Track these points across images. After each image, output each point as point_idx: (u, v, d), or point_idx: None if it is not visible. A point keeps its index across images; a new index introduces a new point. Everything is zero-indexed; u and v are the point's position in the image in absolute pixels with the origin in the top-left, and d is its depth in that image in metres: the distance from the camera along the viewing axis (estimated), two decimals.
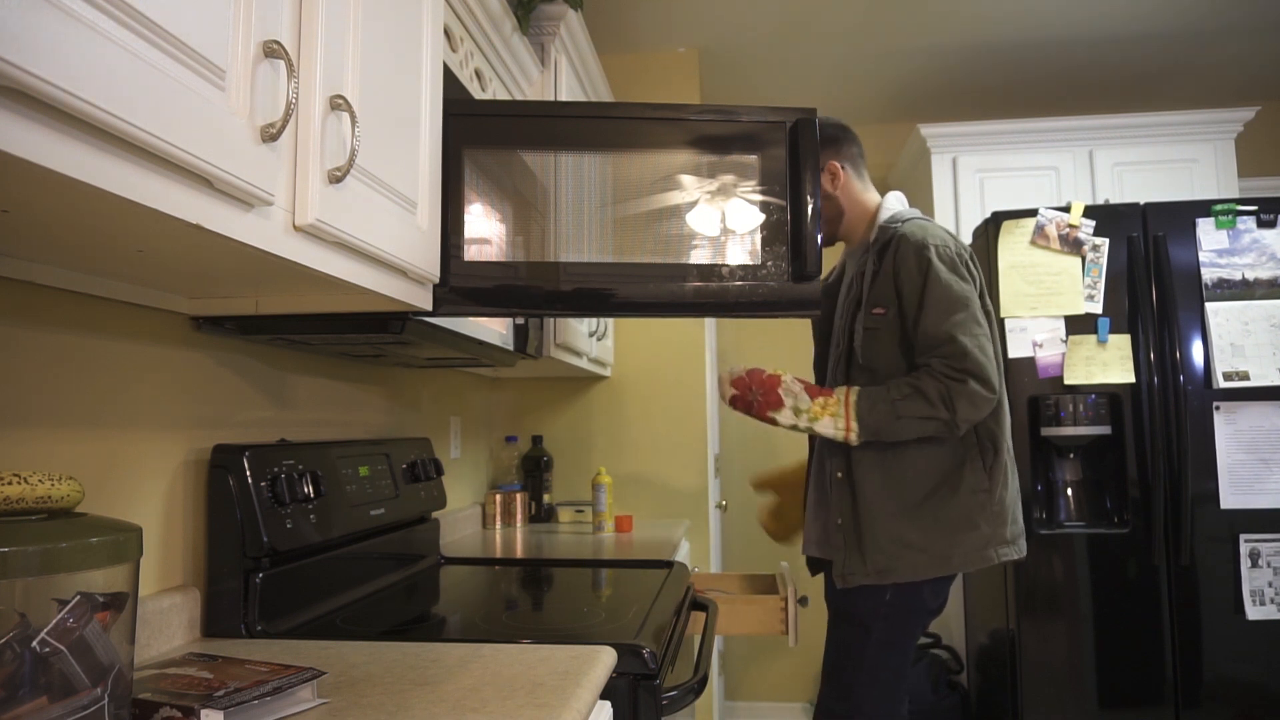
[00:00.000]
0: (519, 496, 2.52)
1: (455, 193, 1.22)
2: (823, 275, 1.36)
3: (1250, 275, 2.37)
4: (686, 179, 1.26)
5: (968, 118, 3.61)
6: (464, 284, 1.21)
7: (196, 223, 0.70)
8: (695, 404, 2.83)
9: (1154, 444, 2.31)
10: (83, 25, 0.55)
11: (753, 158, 1.27)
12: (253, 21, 0.75)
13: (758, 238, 1.26)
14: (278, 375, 1.44)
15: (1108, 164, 2.93)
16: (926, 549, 1.58)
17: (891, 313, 1.64)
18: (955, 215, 2.99)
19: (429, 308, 1.19)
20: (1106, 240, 2.43)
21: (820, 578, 1.87)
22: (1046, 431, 2.40)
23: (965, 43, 2.98)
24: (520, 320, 1.76)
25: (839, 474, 1.66)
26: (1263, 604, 2.28)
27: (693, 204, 1.26)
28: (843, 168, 1.77)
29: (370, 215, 0.97)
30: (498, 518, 2.49)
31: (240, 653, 1.06)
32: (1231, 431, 2.32)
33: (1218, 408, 2.33)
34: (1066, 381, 2.40)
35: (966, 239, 2.81)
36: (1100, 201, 2.89)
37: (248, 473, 1.19)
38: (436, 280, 1.19)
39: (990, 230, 2.51)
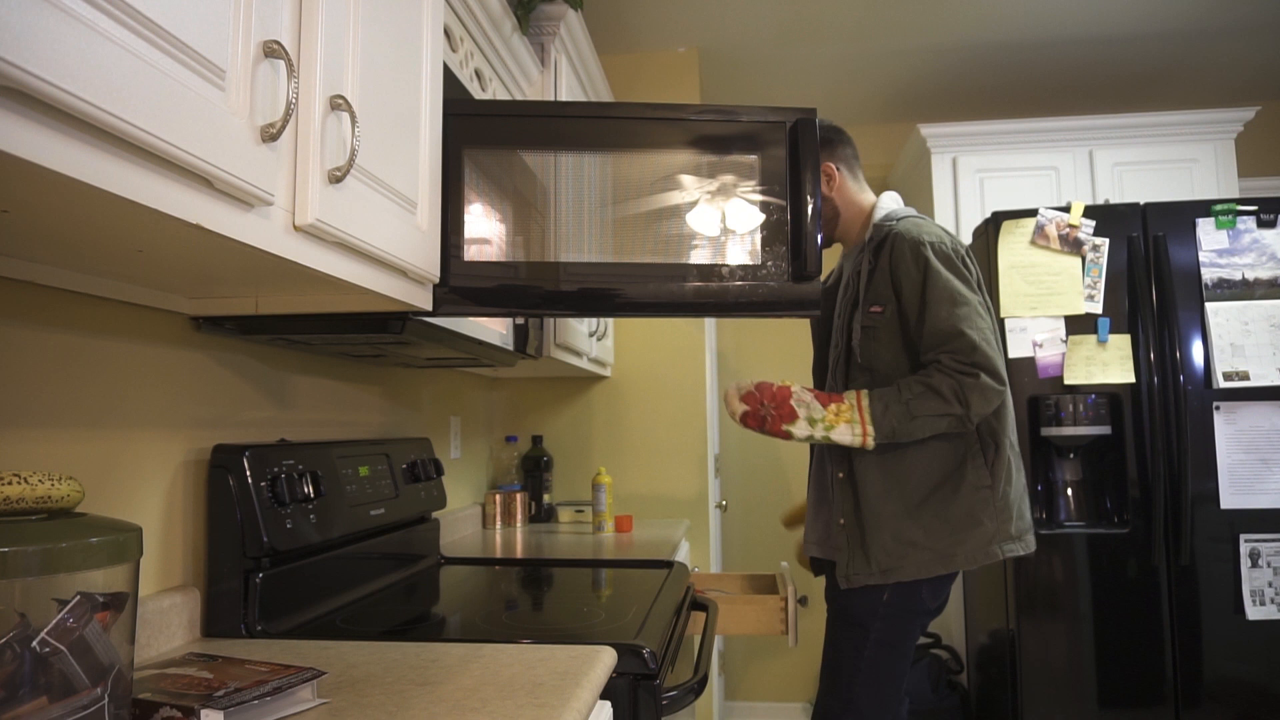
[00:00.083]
0: (519, 496, 2.52)
1: (455, 193, 1.22)
2: (822, 277, 1.36)
3: (1250, 275, 2.37)
4: (686, 179, 1.26)
5: (968, 118, 3.61)
6: (464, 284, 1.21)
7: (196, 223, 0.70)
8: (695, 404, 2.83)
9: (1154, 444, 2.31)
10: (83, 25, 0.55)
11: (753, 158, 1.27)
12: (253, 21, 0.75)
13: (758, 238, 1.26)
14: (278, 375, 1.44)
15: (1108, 164, 2.93)
16: (930, 547, 1.58)
17: (889, 310, 1.63)
18: (955, 215, 2.99)
19: (429, 308, 1.19)
20: (1106, 240, 2.43)
21: (821, 577, 1.87)
22: (1046, 431, 2.39)
23: (965, 43, 2.98)
24: (520, 320, 1.76)
25: (840, 474, 1.66)
26: (1263, 604, 2.28)
27: (693, 204, 1.26)
28: (838, 169, 1.77)
29: (370, 215, 0.97)
30: (498, 518, 2.49)
31: (240, 653, 1.06)
32: (1231, 431, 2.32)
33: (1218, 408, 2.33)
34: (1066, 381, 2.40)
35: (966, 239, 2.81)
36: (1100, 201, 2.89)
37: (248, 473, 1.19)
38: (436, 280, 1.19)
39: (990, 230, 2.51)
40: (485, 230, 1.23)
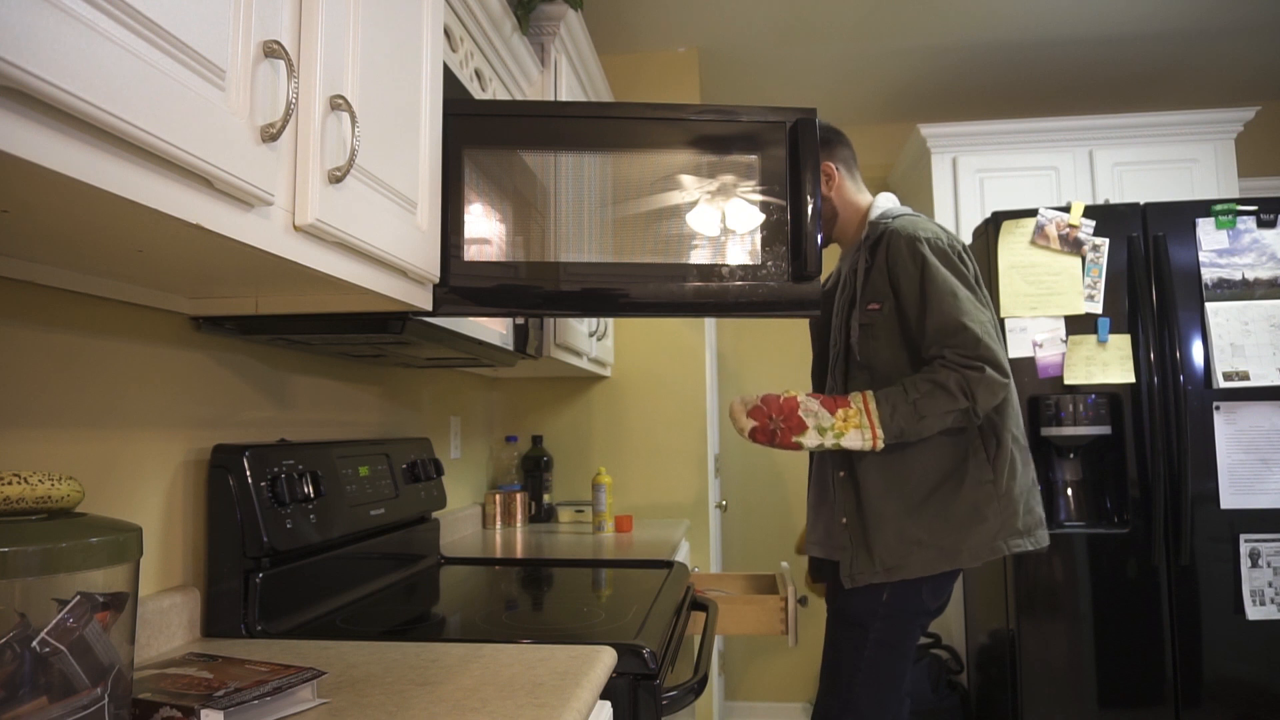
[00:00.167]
0: (519, 496, 2.52)
1: (455, 193, 1.22)
2: (821, 278, 1.36)
3: (1250, 275, 2.37)
4: (686, 179, 1.26)
5: (968, 118, 3.61)
6: (464, 284, 1.21)
7: (196, 223, 0.70)
8: (695, 404, 2.83)
9: (1154, 444, 2.31)
10: (83, 25, 0.55)
11: (753, 158, 1.27)
12: (253, 21, 0.75)
13: (758, 238, 1.26)
14: (278, 375, 1.44)
15: (1108, 164, 2.93)
16: (934, 544, 1.57)
17: (887, 308, 1.63)
18: (955, 215, 2.99)
19: (429, 308, 1.19)
20: (1106, 240, 2.43)
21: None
22: (1046, 431, 2.39)
23: (965, 43, 2.98)
24: (520, 320, 1.76)
25: (841, 473, 1.65)
26: (1263, 604, 2.28)
27: (693, 204, 1.26)
28: (837, 169, 1.77)
29: (370, 215, 0.97)
30: (498, 518, 2.49)
31: (240, 653, 1.06)
32: (1231, 431, 2.32)
33: (1218, 408, 2.33)
34: (1066, 381, 2.40)
35: (966, 239, 2.81)
36: (1100, 201, 2.89)
37: (248, 473, 1.19)
38: (436, 280, 1.19)
39: (990, 230, 2.51)
40: (485, 230, 1.23)
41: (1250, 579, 2.28)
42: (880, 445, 1.55)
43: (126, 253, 0.86)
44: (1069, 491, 2.44)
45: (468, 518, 2.38)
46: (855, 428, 1.55)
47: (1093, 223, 2.44)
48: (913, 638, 1.65)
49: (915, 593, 1.61)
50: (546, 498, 2.64)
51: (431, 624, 1.28)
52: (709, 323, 3.05)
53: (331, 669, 1.01)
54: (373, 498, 1.51)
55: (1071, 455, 2.44)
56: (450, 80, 1.38)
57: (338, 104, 0.89)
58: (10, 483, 0.65)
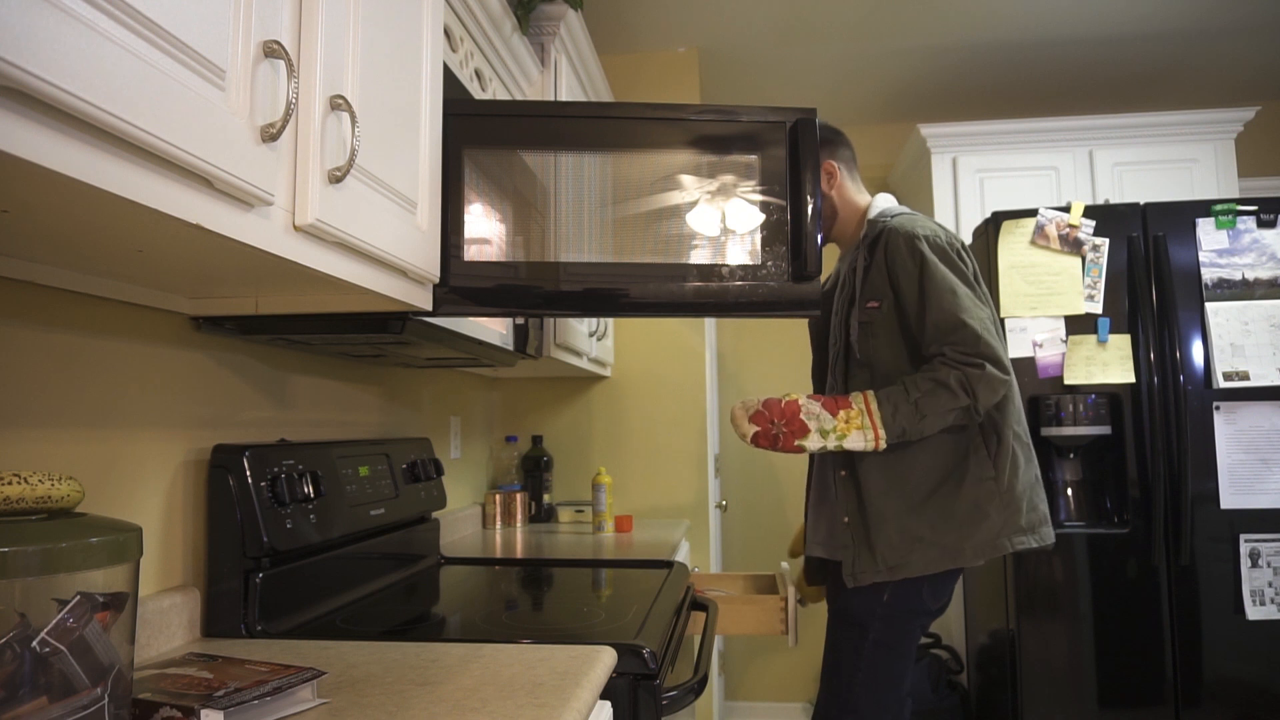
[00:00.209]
0: (519, 496, 2.52)
1: (455, 193, 1.22)
2: (821, 279, 1.36)
3: (1250, 275, 2.37)
4: (686, 179, 1.26)
5: (968, 118, 3.61)
6: (464, 284, 1.21)
7: (196, 223, 0.70)
8: (695, 404, 2.83)
9: (1154, 444, 2.31)
10: (83, 25, 0.55)
11: (753, 158, 1.27)
12: (253, 21, 0.75)
13: (758, 238, 1.26)
14: (278, 375, 1.44)
15: (1108, 164, 2.93)
16: (937, 542, 1.56)
17: (886, 305, 1.63)
18: (955, 215, 2.99)
19: (429, 308, 1.19)
20: (1106, 240, 2.43)
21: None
22: (1046, 431, 2.39)
23: (965, 43, 2.98)
24: (520, 320, 1.76)
25: (842, 472, 1.65)
26: (1263, 604, 2.28)
27: (693, 204, 1.26)
28: (838, 168, 1.77)
29: (370, 215, 0.97)
30: (498, 518, 2.49)
31: (240, 653, 1.06)
32: (1231, 431, 2.32)
33: (1218, 408, 2.33)
34: (1066, 381, 2.40)
35: (966, 239, 2.81)
36: (1100, 201, 2.89)
37: (248, 473, 1.19)
38: (436, 280, 1.19)
39: (990, 230, 2.51)
40: (485, 230, 1.23)
41: (1250, 579, 2.28)
42: (882, 445, 1.55)
43: (126, 253, 0.86)
44: (1069, 491, 2.44)
45: (468, 518, 2.38)
46: (857, 429, 1.55)
47: (1093, 223, 2.44)
48: (913, 639, 1.65)
49: (916, 593, 1.60)
50: (546, 498, 2.64)
51: (431, 624, 1.28)
52: (709, 323, 3.05)
53: (331, 669, 1.01)
54: (373, 498, 1.51)
55: (1071, 455, 2.44)
56: (450, 80, 1.38)
57: (338, 104, 0.89)
58: (10, 483, 0.65)
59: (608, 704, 1.05)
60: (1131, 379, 2.38)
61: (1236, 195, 2.88)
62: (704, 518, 2.81)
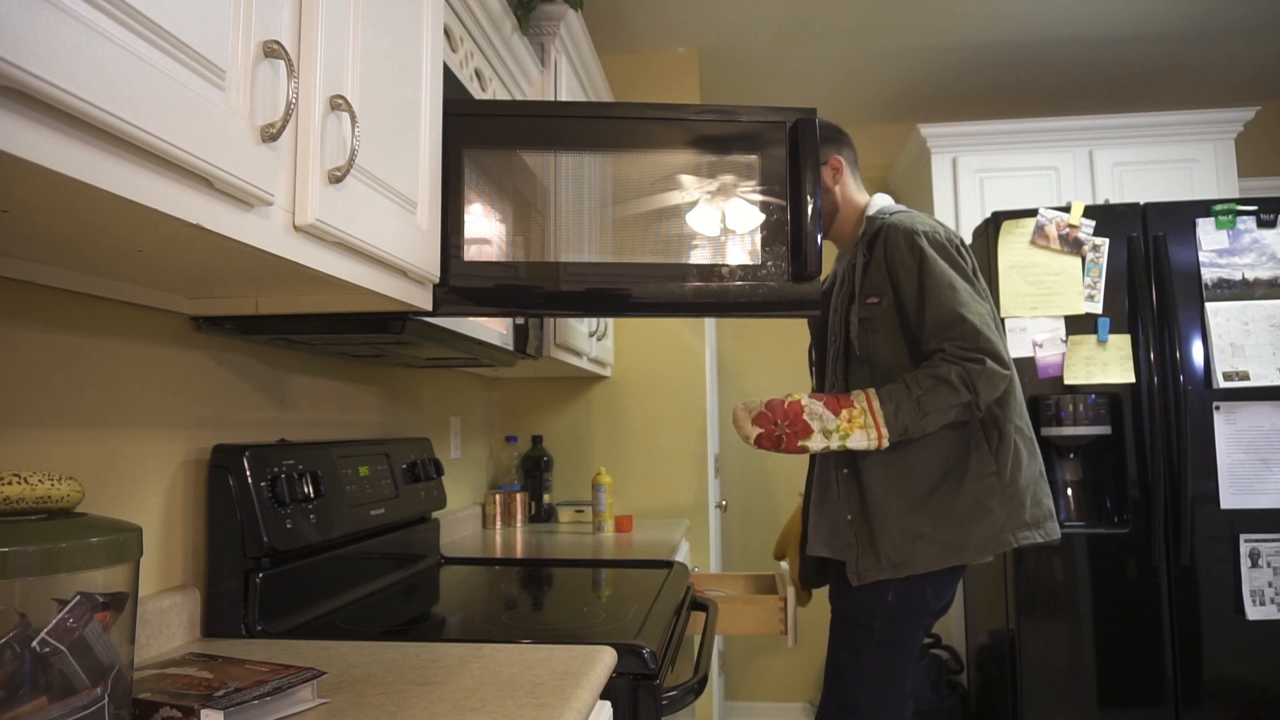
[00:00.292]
0: (519, 496, 2.52)
1: (455, 193, 1.22)
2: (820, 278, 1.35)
3: (1250, 275, 2.37)
4: (686, 179, 1.26)
5: (968, 118, 3.61)
6: (464, 284, 1.21)
7: (196, 223, 0.70)
8: (695, 404, 2.83)
9: (1154, 444, 2.31)
10: (83, 25, 0.55)
11: (753, 158, 1.27)
12: (253, 21, 0.75)
13: (758, 238, 1.26)
14: (278, 375, 1.44)
15: (1108, 164, 2.93)
16: (940, 538, 1.56)
17: (886, 301, 1.63)
18: (955, 215, 2.99)
19: (429, 308, 1.19)
20: (1106, 240, 2.43)
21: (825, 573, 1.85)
22: (1046, 431, 2.39)
23: (965, 43, 2.98)
24: (520, 320, 1.76)
25: (844, 470, 1.65)
26: (1263, 604, 2.28)
27: (693, 204, 1.26)
28: (844, 163, 1.77)
29: (370, 215, 0.97)
30: (498, 518, 2.49)
31: (240, 653, 1.06)
32: (1231, 431, 2.32)
33: (1218, 408, 2.33)
34: (1066, 381, 2.40)
35: (967, 239, 2.81)
36: (1100, 201, 2.89)
37: (248, 473, 1.19)
38: (436, 280, 1.19)
39: (990, 230, 2.51)
40: (485, 230, 1.23)
41: (1250, 579, 2.28)
42: (885, 444, 1.55)
43: (126, 253, 0.86)
44: (1069, 491, 2.44)
45: (468, 518, 2.38)
46: (860, 428, 1.55)
47: (1093, 223, 2.44)
48: (916, 639, 1.65)
49: (919, 592, 1.60)
50: (546, 498, 2.64)
51: (431, 624, 1.28)
52: (709, 323, 3.05)
53: (331, 669, 1.01)
54: (373, 498, 1.51)
55: (1071, 455, 2.44)
56: (450, 80, 1.38)
57: (338, 104, 0.89)
58: (10, 483, 0.65)
59: (608, 704, 1.05)
60: (1131, 379, 2.38)
61: (1236, 195, 2.88)
62: (704, 518, 2.81)
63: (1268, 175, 3.37)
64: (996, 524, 1.57)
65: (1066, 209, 2.46)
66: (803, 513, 1.88)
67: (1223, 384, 2.32)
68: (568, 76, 2.17)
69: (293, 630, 1.23)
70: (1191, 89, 3.37)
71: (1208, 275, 2.38)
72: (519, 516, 2.51)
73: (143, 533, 0.79)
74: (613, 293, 1.23)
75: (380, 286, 1.04)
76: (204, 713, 0.76)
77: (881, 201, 1.76)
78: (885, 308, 1.63)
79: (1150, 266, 2.40)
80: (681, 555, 2.39)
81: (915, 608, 1.62)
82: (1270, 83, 3.34)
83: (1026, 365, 2.42)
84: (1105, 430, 2.37)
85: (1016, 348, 2.42)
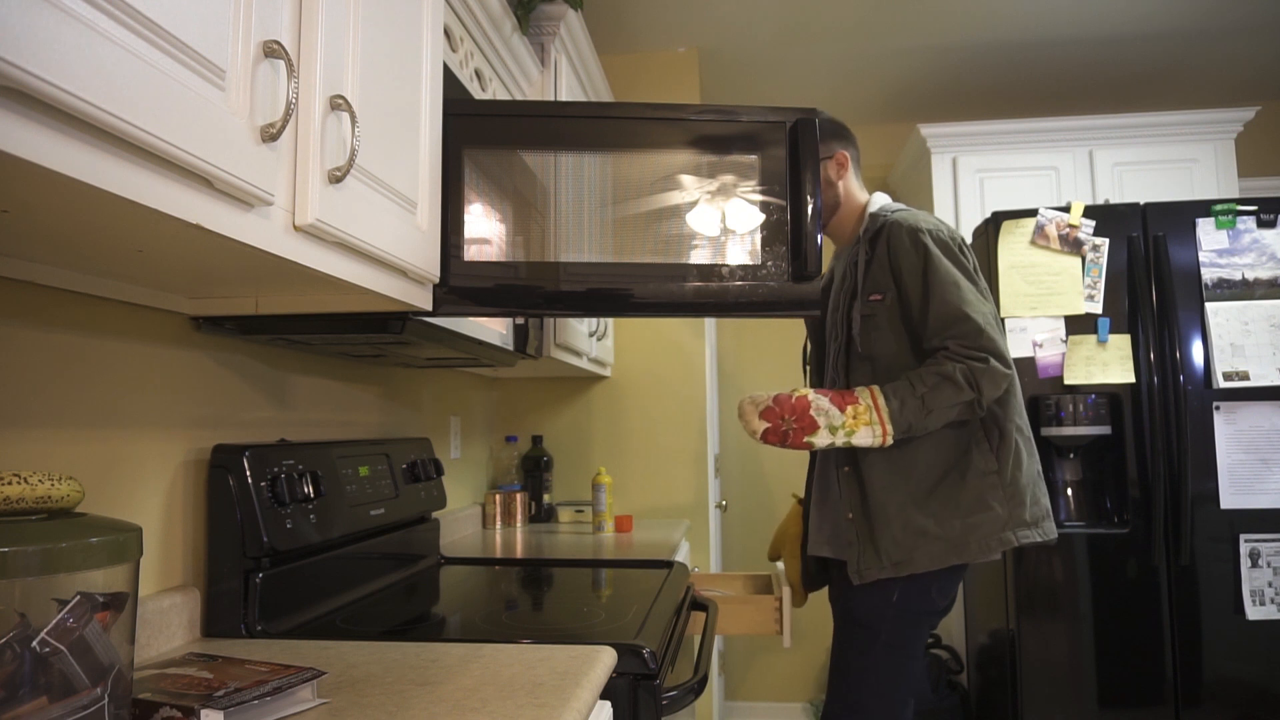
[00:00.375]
0: (519, 496, 2.52)
1: (455, 193, 1.22)
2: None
3: (1250, 275, 2.37)
4: (686, 179, 1.26)
5: (968, 118, 3.61)
6: (464, 284, 1.21)
7: (196, 223, 0.70)
8: (695, 404, 2.83)
9: (1154, 444, 2.31)
10: (83, 25, 0.55)
11: (753, 158, 1.27)
12: (253, 21, 0.75)
13: (758, 238, 1.26)
14: (278, 375, 1.44)
15: (1108, 164, 2.93)
16: (942, 537, 1.56)
17: (889, 298, 1.63)
18: (955, 215, 2.99)
19: (429, 308, 1.19)
20: (1106, 240, 2.43)
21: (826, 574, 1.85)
22: (1046, 431, 2.39)
23: (965, 43, 2.98)
24: (520, 320, 1.76)
25: (846, 468, 1.64)
26: (1263, 604, 2.28)
27: (693, 204, 1.26)
28: (849, 159, 1.77)
29: (370, 215, 0.97)
30: (498, 518, 2.49)
31: (240, 653, 1.06)
32: (1231, 431, 2.32)
33: (1218, 408, 2.33)
34: (1066, 381, 2.40)
35: (967, 239, 2.81)
36: (1100, 201, 2.89)
37: (248, 473, 1.19)
38: (436, 280, 1.19)
39: (990, 230, 2.51)
40: (485, 230, 1.23)
41: (1250, 579, 2.28)
42: (889, 441, 1.55)
43: (126, 253, 0.86)
44: (1069, 491, 2.44)
45: (468, 518, 2.38)
46: (865, 425, 1.55)
47: (1093, 223, 2.44)
48: (921, 638, 1.64)
49: (925, 592, 1.60)
50: (546, 498, 2.64)
51: (431, 624, 1.28)
52: (709, 323, 3.05)
53: (331, 669, 1.01)
54: (373, 498, 1.51)
55: (1071, 455, 2.44)
56: (450, 80, 1.38)
57: (338, 104, 0.89)
58: (10, 483, 0.65)
59: (608, 704, 1.05)
60: (1131, 379, 2.38)
61: (1236, 195, 2.88)
62: (704, 518, 2.81)
63: (1268, 175, 3.37)
64: (998, 522, 1.57)
65: (1066, 209, 2.46)
66: (804, 513, 1.88)
67: (1223, 384, 2.32)
68: (568, 76, 2.17)
69: (293, 630, 1.23)
70: (1191, 89, 3.37)
71: (1208, 275, 2.38)
72: (519, 516, 2.51)
73: (143, 533, 0.79)
74: (613, 293, 1.23)
75: (380, 286, 1.04)
76: (204, 713, 0.76)
77: (882, 199, 1.76)
78: (888, 305, 1.63)
79: (1150, 266, 2.40)
80: (681, 555, 2.39)
81: (920, 608, 1.61)
82: (1270, 83, 3.34)
83: (1026, 365, 2.42)
84: (1105, 430, 2.37)
85: (1016, 348, 2.42)
